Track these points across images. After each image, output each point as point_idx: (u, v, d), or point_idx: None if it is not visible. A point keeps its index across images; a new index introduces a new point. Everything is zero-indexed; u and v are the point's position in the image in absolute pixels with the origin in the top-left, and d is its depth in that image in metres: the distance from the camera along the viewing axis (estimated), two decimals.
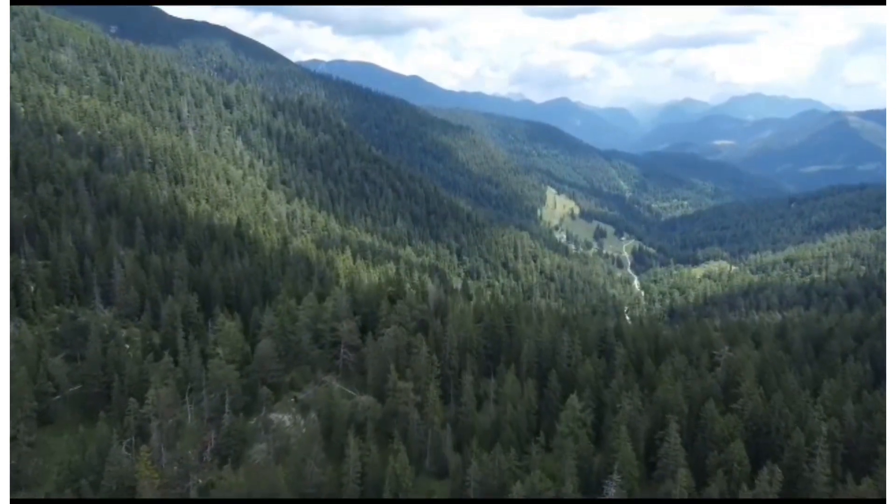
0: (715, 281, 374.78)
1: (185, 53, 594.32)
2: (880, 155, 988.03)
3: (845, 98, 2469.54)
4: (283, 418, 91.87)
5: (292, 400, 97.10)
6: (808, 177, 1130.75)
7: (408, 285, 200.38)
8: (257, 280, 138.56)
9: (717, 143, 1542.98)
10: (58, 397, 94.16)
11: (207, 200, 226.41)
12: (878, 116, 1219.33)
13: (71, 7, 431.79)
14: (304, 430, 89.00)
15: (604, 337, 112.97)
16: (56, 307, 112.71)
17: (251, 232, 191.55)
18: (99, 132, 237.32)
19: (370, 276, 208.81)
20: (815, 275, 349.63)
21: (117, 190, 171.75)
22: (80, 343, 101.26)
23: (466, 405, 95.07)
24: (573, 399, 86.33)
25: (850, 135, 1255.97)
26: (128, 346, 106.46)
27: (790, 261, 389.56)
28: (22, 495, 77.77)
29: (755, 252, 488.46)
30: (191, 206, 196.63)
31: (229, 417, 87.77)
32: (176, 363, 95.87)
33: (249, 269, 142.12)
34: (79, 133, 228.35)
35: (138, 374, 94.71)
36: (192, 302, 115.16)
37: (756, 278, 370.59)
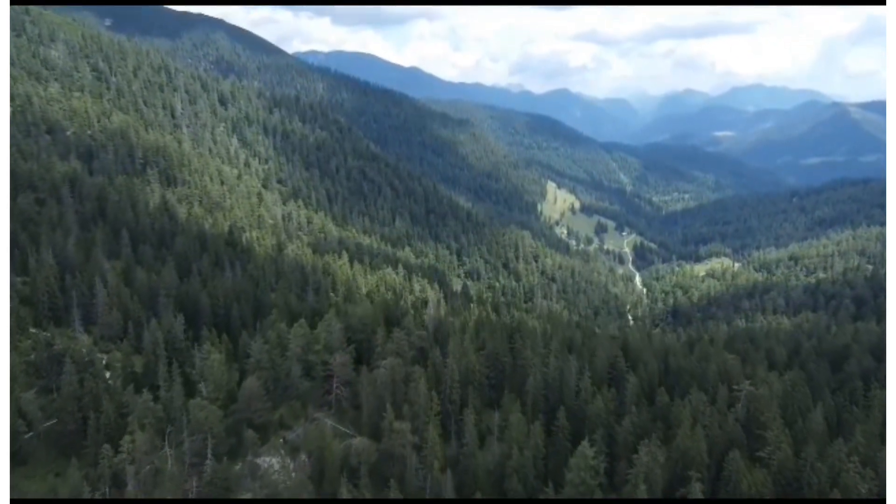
0: (718, 280, 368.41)
1: (182, 46, 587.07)
2: (881, 146, 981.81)
3: (846, 88, 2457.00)
4: (270, 462, 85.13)
5: (281, 441, 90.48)
6: (808, 169, 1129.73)
7: (406, 300, 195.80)
8: (248, 296, 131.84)
9: (718, 134, 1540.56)
10: (30, 434, 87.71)
11: (201, 203, 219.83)
12: (879, 107, 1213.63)
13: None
14: (293, 475, 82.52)
15: (613, 363, 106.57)
16: (32, 331, 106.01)
17: (244, 238, 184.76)
18: (89, 132, 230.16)
19: (367, 282, 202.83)
20: (821, 274, 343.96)
21: (105, 196, 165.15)
22: (57, 372, 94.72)
23: (468, 445, 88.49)
24: (584, 447, 79.61)
25: (852, 126, 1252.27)
26: (108, 373, 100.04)
27: (794, 259, 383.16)
28: None
29: (758, 248, 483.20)
30: (182, 212, 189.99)
31: (212, 463, 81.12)
32: (156, 398, 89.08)
33: (240, 285, 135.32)
34: (68, 133, 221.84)
35: (116, 410, 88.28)
36: (177, 326, 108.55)
37: (760, 277, 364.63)
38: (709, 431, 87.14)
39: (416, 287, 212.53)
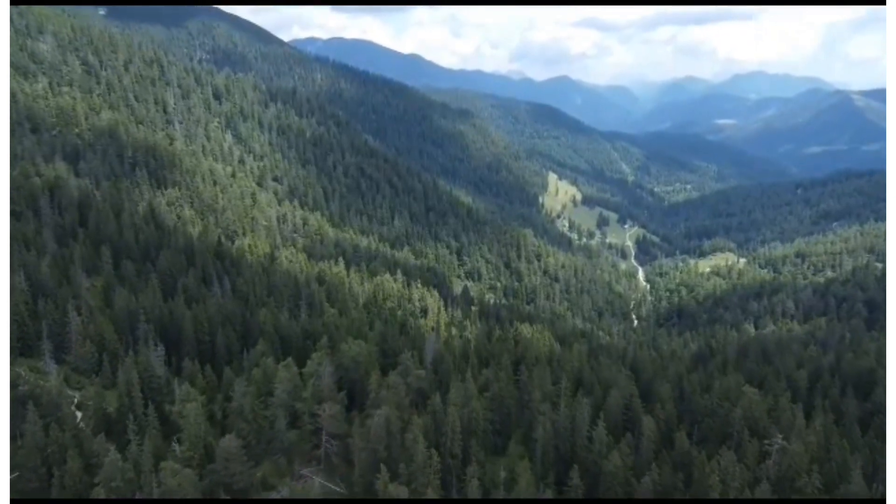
0: (724, 278, 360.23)
1: (178, 35, 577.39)
2: (884, 135, 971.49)
3: (848, 75, 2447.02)
4: None
5: None
6: (811, 158, 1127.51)
7: (407, 313, 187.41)
8: (236, 318, 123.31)
9: (720, 122, 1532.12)
10: None
11: (192, 205, 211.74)
12: (883, 95, 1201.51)
13: None
14: None
15: (628, 404, 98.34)
16: None
17: (235, 248, 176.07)
18: (77, 130, 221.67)
19: (364, 291, 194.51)
20: (829, 272, 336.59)
21: (88, 203, 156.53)
22: (21, 417, 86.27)
23: None
24: None
25: (854, 114, 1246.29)
26: (80, 414, 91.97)
27: (801, 256, 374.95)
28: None
29: (763, 243, 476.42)
30: (171, 219, 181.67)
31: None
32: (126, 457, 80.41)
33: (227, 307, 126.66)
34: (53, 133, 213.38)
35: (83, 464, 79.97)
36: (155, 362, 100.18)
37: (766, 275, 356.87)
38: (738, 494, 78.97)
39: (416, 295, 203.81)
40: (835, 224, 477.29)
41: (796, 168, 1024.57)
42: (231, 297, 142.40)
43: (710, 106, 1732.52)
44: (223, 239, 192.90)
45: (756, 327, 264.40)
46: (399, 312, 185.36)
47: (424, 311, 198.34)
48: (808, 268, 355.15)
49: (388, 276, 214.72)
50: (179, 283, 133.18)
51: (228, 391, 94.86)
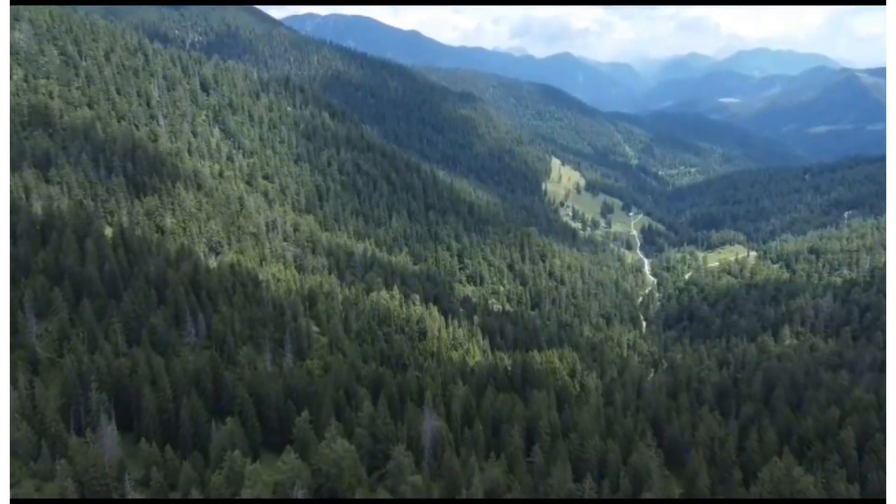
0: (735, 277, 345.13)
1: (169, 16, 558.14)
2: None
3: (853, 52, 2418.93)
4: None
5: None
6: (815, 138, 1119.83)
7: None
8: (205, 378, 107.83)
9: (723, 100, 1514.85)
10: None
11: (174, 213, 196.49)
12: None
13: None
14: None
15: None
16: None
17: (217, 267, 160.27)
18: (50, 130, 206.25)
19: (358, 314, 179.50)
20: (847, 271, 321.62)
21: (50, 224, 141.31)
22: None
23: None
24: None
25: (860, 92, 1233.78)
26: None
27: (815, 252, 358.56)
28: None
29: (772, 233, 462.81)
30: (148, 235, 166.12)
31: None
32: None
33: (198, 362, 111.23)
34: (24, 135, 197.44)
35: None
36: (108, 442, 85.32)
37: (779, 271, 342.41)
38: None
39: (414, 316, 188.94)
40: (847, 214, 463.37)
41: (801, 149, 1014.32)
42: (205, 337, 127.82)
43: (713, 84, 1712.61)
44: (204, 256, 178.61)
45: (775, 338, 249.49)
46: (396, 337, 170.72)
47: (423, 334, 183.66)
48: (824, 266, 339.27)
49: (384, 291, 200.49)
50: (145, 328, 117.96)
51: (188, 489, 79.84)
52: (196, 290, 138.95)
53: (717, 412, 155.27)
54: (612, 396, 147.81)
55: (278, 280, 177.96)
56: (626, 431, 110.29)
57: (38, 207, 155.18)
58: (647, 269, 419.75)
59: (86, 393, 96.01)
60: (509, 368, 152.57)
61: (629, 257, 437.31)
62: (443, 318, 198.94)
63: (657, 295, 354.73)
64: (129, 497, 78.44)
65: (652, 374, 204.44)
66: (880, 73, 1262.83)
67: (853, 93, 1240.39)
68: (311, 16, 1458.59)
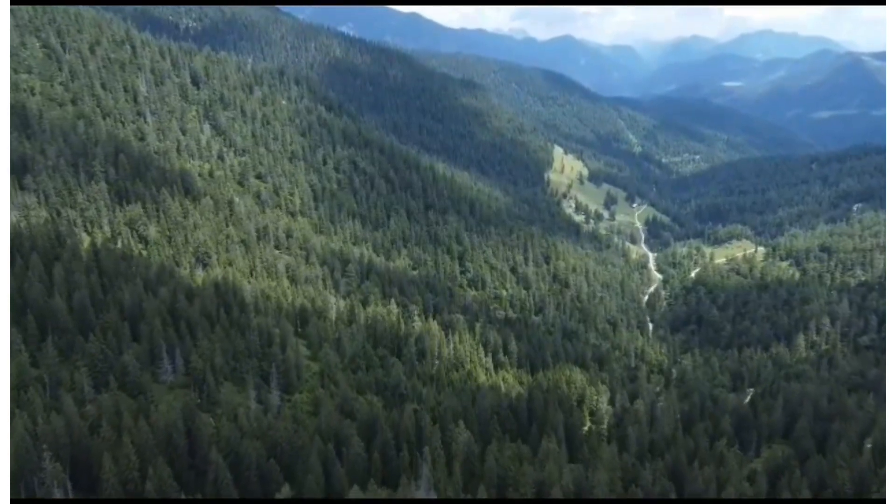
0: (745, 277, 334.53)
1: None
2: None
3: (857, 34, 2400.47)
4: None
5: None
6: (820, 123, 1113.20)
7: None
8: (178, 440, 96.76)
9: (727, 84, 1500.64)
10: None
11: (158, 222, 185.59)
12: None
13: None
14: None
15: None
16: None
17: (197, 295, 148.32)
18: (28, 132, 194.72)
19: (353, 332, 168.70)
20: (860, 272, 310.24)
21: (18, 248, 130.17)
22: None
23: None
24: None
25: (865, 76, 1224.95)
26: None
27: (826, 250, 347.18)
28: None
29: (779, 226, 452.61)
30: (119, 262, 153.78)
31: None
32: None
33: (168, 419, 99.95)
34: None
35: None
36: None
37: (789, 268, 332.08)
38: None
39: (413, 335, 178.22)
40: (856, 207, 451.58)
41: (806, 134, 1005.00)
42: (183, 374, 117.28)
43: (716, 67, 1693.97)
44: (190, 268, 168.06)
45: (789, 348, 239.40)
46: (393, 361, 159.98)
47: (422, 354, 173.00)
48: (836, 266, 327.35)
49: (381, 304, 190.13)
50: (115, 368, 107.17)
51: None
52: (175, 320, 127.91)
53: (736, 446, 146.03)
54: (626, 431, 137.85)
55: (268, 297, 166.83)
56: (646, 492, 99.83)
57: (13, 218, 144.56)
58: (651, 264, 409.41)
59: (40, 462, 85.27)
60: (514, 403, 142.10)
61: (634, 252, 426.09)
62: (443, 332, 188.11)
63: (663, 293, 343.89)
64: None
65: (663, 395, 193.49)
66: (885, 56, 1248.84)
67: (858, 76, 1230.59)
68: None
